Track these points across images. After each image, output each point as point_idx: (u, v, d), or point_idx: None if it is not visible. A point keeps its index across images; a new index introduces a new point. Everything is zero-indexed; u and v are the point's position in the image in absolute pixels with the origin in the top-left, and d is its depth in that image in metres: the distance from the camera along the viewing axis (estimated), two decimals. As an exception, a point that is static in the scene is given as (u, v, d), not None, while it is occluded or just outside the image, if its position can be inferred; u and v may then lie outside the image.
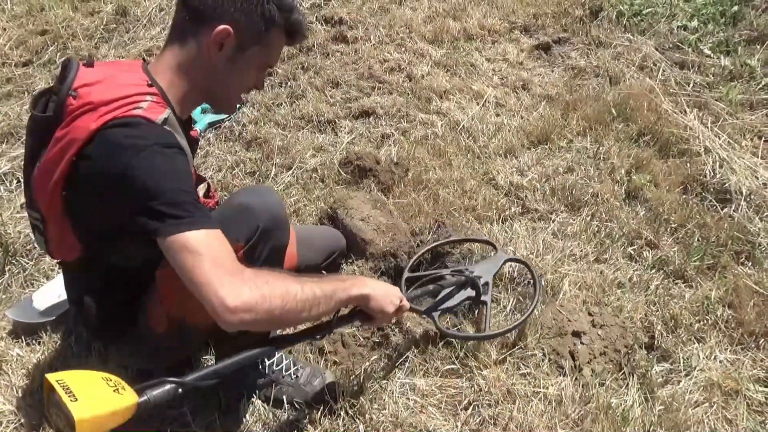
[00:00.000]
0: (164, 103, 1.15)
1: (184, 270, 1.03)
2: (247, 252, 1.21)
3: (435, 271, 1.82)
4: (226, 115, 2.63)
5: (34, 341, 1.63)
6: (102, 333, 1.34)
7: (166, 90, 1.19)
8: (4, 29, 3.39)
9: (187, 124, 1.36)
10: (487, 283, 1.69)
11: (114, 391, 0.94)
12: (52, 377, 0.91)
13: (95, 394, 0.91)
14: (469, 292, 1.68)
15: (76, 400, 0.87)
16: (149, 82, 1.16)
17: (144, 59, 1.27)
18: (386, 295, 1.30)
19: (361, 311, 1.31)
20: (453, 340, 1.62)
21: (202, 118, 2.56)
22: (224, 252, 1.06)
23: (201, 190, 1.41)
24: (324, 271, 1.82)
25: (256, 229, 1.21)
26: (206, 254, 1.03)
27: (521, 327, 1.63)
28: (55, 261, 1.51)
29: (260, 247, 1.23)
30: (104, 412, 0.90)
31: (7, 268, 1.85)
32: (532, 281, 1.76)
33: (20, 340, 1.63)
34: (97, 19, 3.44)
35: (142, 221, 1.03)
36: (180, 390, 1.04)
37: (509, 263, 1.83)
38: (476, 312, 1.74)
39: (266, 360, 1.49)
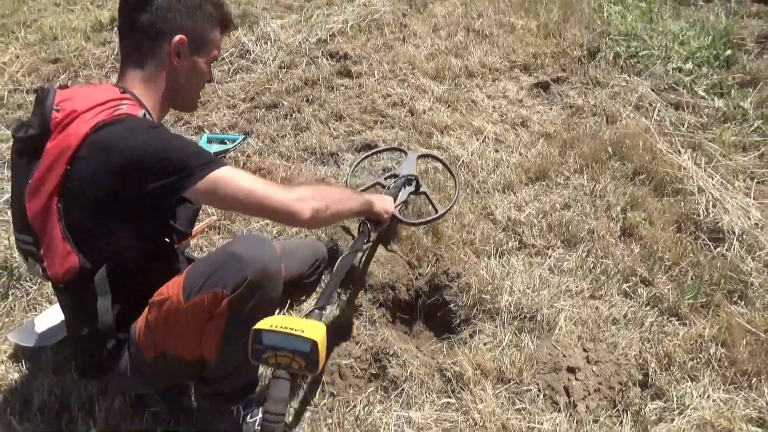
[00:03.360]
0: (139, 106, 1.25)
1: (238, 198, 1.20)
2: (232, 301, 1.20)
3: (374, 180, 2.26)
4: (232, 145, 2.69)
5: (34, 365, 1.65)
6: (90, 367, 1.35)
7: (140, 97, 1.29)
8: (18, 57, 3.50)
9: None
10: (417, 177, 2.10)
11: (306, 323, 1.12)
12: (265, 323, 1.09)
13: (304, 324, 1.10)
14: (410, 188, 2.07)
15: (302, 330, 1.07)
16: (122, 91, 1.26)
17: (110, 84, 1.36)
18: (382, 201, 1.71)
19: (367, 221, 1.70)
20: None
21: (209, 149, 2.62)
22: (252, 175, 1.25)
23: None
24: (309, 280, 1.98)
25: (243, 280, 1.19)
26: (247, 179, 1.21)
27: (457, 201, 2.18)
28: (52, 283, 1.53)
29: (247, 298, 1.21)
30: (323, 334, 1.11)
31: (11, 292, 1.88)
32: (447, 172, 2.32)
33: (20, 363, 1.65)
34: (108, 49, 3.54)
35: (168, 182, 1.14)
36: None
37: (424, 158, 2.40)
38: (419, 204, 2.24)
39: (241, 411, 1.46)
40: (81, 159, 1.12)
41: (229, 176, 1.19)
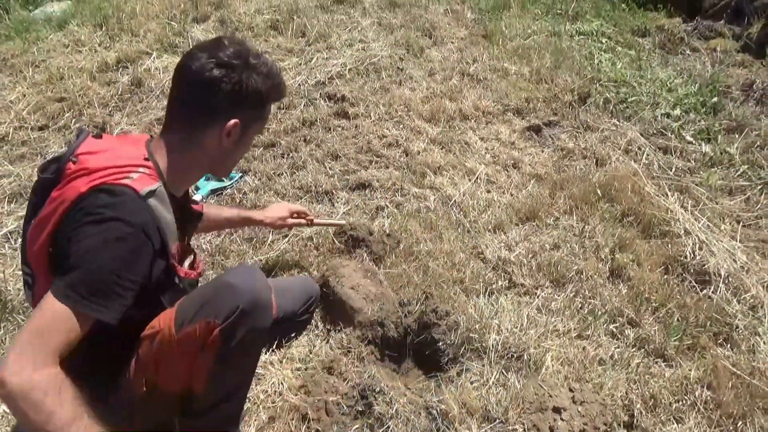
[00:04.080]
0: (156, 177, 1.25)
1: (29, 321, 1.09)
2: (223, 330, 1.21)
3: None
4: (230, 183, 2.75)
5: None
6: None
7: (162, 167, 1.29)
8: (24, 95, 3.59)
9: (185, 198, 1.48)
10: None
11: None
12: None
13: None
14: None
15: None
16: (146, 157, 1.26)
17: (151, 136, 1.38)
18: None
19: None
20: None
21: (206, 185, 2.68)
22: (60, 335, 1.08)
23: (186, 261, 1.46)
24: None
25: (235, 309, 1.21)
26: (42, 325, 1.08)
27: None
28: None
29: (238, 327, 1.23)
30: None
31: (2, 324, 1.90)
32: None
33: (10, 396, 1.66)
34: (113, 89, 3.64)
35: (54, 277, 1.11)
36: None
37: None
38: None
39: None
40: (72, 215, 1.15)
41: (44, 311, 1.09)
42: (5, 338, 1.88)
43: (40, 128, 3.24)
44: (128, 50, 4.07)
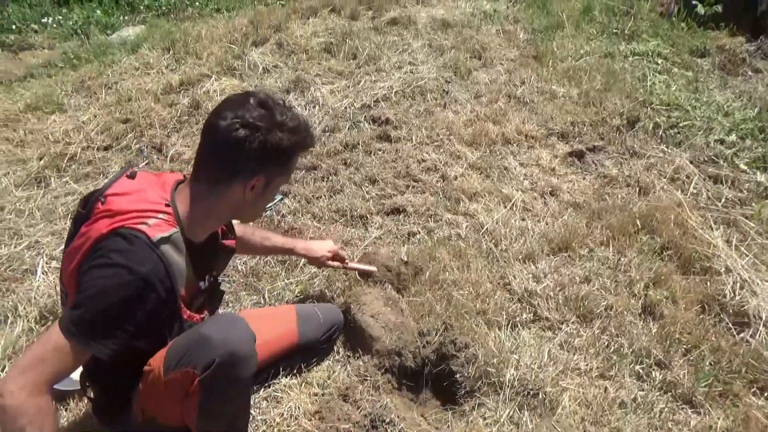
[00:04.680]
0: (174, 223, 1.33)
1: (32, 345, 1.20)
2: (202, 381, 1.27)
3: None
4: (271, 204, 2.86)
5: (62, 407, 1.81)
6: (100, 410, 1.49)
7: (182, 213, 1.37)
8: (95, 116, 3.89)
9: (216, 236, 1.56)
10: None
11: None
12: None
13: None
14: None
15: None
16: (167, 203, 1.35)
17: (184, 176, 1.47)
18: None
19: None
20: None
21: (247, 207, 2.80)
22: (57, 365, 1.19)
23: (197, 302, 1.54)
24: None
25: (212, 362, 1.25)
26: (45, 352, 1.18)
27: None
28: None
29: (217, 379, 1.27)
30: None
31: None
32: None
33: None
34: (174, 111, 3.88)
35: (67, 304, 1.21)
36: None
37: None
38: None
39: None
40: (93, 253, 1.25)
41: (48, 342, 1.20)
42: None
43: (105, 148, 3.49)
44: (191, 73, 4.31)
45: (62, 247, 2.61)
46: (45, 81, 4.56)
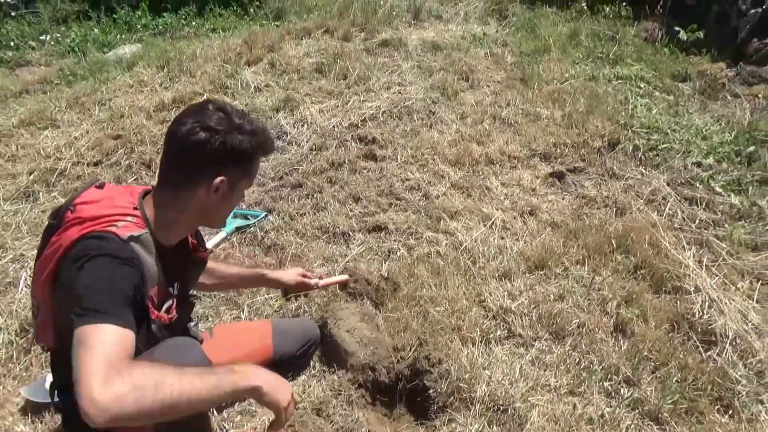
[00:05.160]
0: (143, 225, 1.37)
1: (75, 363, 1.09)
2: None
3: None
4: (254, 221, 2.91)
5: (38, 420, 1.84)
6: (70, 424, 1.51)
7: (150, 217, 1.41)
8: (87, 132, 3.94)
9: (188, 247, 1.60)
10: None
11: None
12: None
13: None
14: None
15: None
16: (135, 206, 1.39)
17: (152, 186, 1.52)
18: (278, 388, 1.29)
19: None
20: None
21: (231, 223, 2.85)
22: (114, 347, 1.13)
23: (165, 305, 1.53)
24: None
25: None
26: (95, 346, 1.11)
27: None
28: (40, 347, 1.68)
29: None
30: None
31: (33, 347, 2.10)
32: None
33: (27, 416, 1.84)
34: (165, 128, 3.93)
35: (70, 317, 1.18)
36: None
37: None
38: None
39: None
40: (65, 260, 1.28)
41: (89, 337, 1.13)
42: (33, 361, 2.08)
43: (95, 164, 3.54)
44: (184, 91, 4.39)
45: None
46: (40, 97, 4.63)
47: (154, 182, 1.48)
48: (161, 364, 1.17)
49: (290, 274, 2.02)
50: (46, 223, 1.43)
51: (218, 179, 1.42)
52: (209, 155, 1.39)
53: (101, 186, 1.44)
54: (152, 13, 6.80)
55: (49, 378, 1.93)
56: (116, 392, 1.05)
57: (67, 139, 3.85)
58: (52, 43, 6.19)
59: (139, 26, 6.48)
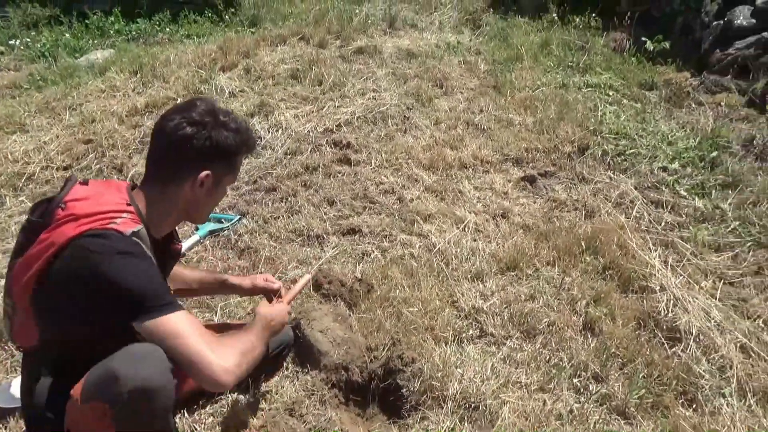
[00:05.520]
0: (138, 220, 1.38)
1: (172, 350, 1.27)
2: (114, 416, 1.24)
3: None
4: (228, 225, 2.90)
5: (1, 425, 1.79)
6: (41, 423, 1.48)
7: (144, 213, 1.43)
8: (57, 136, 3.89)
9: (167, 240, 1.62)
10: None
11: None
12: None
13: None
14: None
15: None
16: (128, 203, 1.40)
17: (133, 183, 1.52)
18: (279, 316, 1.65)
19: None
20: None
21: (204, 227, 2.83)
22: (199, 328, 1.32)
23: None
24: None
25: (120, 397, 1.22)
26: (187, 333, 1.28)
27: None
28: (16, 347, 1.67)
29: (130, 413, 1.24)
30: None
31: (-4, 354, 2.06)
32: None
33: (-9, 422, 1.80)
34: (137, 132, 3.91)
35: (120, 314, 1.25)
36: None
37: None
38: None
39: None
40: (61, 258, 1.29)
41: (174, 328, 1.28)
42: (-2, 365, 2.04)
43: (65, 168, 3.50)
44: (157, 96, 4.36)
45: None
46: (8, 102, 4.56)
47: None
48: (232, 331, 1.56)
49: (248, 280, 1.99)
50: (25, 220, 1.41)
51: (203, 173, 1.46)
52: (196, 150, 1.43)
53: (85, 182, 1.45)
54: (125, 18, 6.75)
55: (15, 383, 1.90)
56: (234, 361, 1.32)
57: (36, 143, 3.80)
58: (22, 47, 6.09)
59: (111, 32, 6.43)
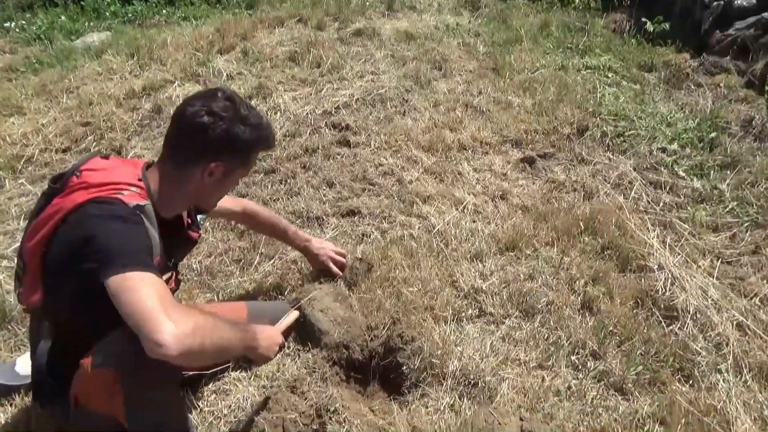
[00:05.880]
0: (146, 196, 1.41)
1: (124, 306, 1.18)
2: (124, 384, 1.28)
3: None
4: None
5: (7, 402, 1.82)
6: (44, 388, 1.50)
7: (153, 189, 1.45)
8: (55, 119, 3.88)
9: (183, 226, 1.67)
10: None
11: None
12: None
13: None
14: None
15: None
16: (140, 178, 1.44)
17: (153, 161, 1.57)
18: (268, 338, 1.58)
19: None
20: None
21: (204, 209, 2.83)
22: (162, 290, 1.23)
23: (164, 276, 1.58)
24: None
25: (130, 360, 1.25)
26: (145, 291, 1.19)
27: None
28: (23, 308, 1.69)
29: (139, 381, 1.28)
30: None
31: (0, 333, 2.08)
32: None
33: (-6, 399, 1.82)
34: (135, 115, 3.90)
35: (94, 269, 1.24)
36: None
37: None
38: None
39: None
40: (67, 222, 1.33)
41: (134, 284, 1.20)
42: (1, 345, 2.05)
43: (63, 150, 3.50)
44: (154, 78, 4.34)
45: (15, 246, 2.62)
46: (5, 85, 4.54)
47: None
48: (202, 310, 1.38)
49: (321, 247, 2.27)
50: (47, 187, 1.46)
51: (214, 164, 1.49)
52: (209, 140, 1.46)
53: (106, 157, 1.49)
54: (121, 0, 6.68)
55: (20, 362, 1.92)
56: (186, 328, 1.17)
57: (34, 126, 3.79)
58: (18, 30, 6.04)
59: (108, 14, 6.37)
